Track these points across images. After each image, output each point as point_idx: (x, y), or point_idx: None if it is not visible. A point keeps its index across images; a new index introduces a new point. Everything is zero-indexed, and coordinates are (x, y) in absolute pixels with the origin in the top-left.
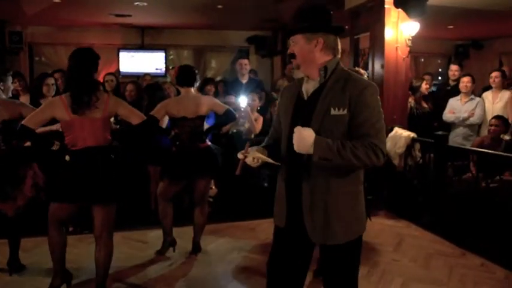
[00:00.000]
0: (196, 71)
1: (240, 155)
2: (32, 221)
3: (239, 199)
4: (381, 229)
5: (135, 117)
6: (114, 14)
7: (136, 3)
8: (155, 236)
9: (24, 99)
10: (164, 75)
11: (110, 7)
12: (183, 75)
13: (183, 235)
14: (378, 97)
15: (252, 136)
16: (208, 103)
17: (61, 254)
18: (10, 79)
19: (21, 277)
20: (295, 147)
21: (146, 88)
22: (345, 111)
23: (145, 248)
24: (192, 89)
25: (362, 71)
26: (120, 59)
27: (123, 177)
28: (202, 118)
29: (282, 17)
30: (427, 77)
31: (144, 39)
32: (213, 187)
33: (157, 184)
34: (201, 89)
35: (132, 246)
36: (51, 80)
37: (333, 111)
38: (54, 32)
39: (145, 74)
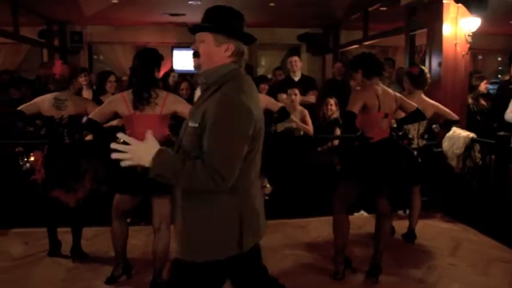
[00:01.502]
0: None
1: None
2: (93, 212)
3: (290, 196)
4: (437, 232)
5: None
6: (169, 13)
7: (190, 2)
8: None
9: (87, 94)
10: None
11: (165, 6)
12: None
13: None
14: (239, 113)
15: (301, 133)
16: (263, 101)
17: (123, 244)
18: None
19: (83, 264)
20: (136, 160)
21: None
22: (196, 124)
23: None
24: None
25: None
26: (173, 57)
27: None
28: None
29: (333, 14)
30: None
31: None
32: (268, 185)
33: None
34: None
35: None
36: (113, 77)
37: (190, 123)
38: (111, 31)
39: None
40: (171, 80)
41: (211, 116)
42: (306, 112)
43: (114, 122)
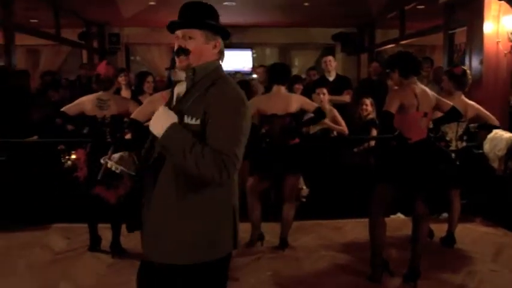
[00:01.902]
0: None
1: (102, 160)
2: (132, 209)
3: (326, 198)
4: (477, 236)
5: None
6: None
7: (225, 3)
8: (243, 229)
9: (126, 94)
10: (250, 73)
11: None
12: (275, 73)
13: (270, 230)
14: (244, 109)
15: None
16: (298, 101)
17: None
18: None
19: (122, 260)
20: (151, 125)
21: (239, 84)
22: (198, 122)
23: None
24: (283, 87)
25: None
26: None
27: None
28: (292, 115)
29: (369, 13)
30: None
31: (231, 38)
32: (304, 187)
33: (244, 179)
34: (290, 88)
35: None
36: (151, 78)
37: (186, 119)
38: (148, 32)
39: (236, 72)
40: None
41: (217, 111)
42: (336, 111)
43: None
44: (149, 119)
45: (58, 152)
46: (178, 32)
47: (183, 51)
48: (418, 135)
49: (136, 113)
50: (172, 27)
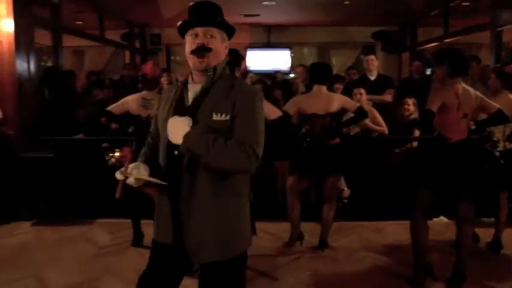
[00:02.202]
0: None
1: (119, 175)
2: None
3: (366, 199)
4: None
5: (273, 112)
6: (243, 14)
7: (265, 2)
8: (282, 228)
9: None
10: (289, 73)
11: (240, 7)
12: (316, 72)
13: (310, 230)
14: (263, 105)
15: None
16: (339, 100)
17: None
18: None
19: None
20: (170, 137)
21: (279, 84)
22: (228, 117)
23: (273, 240)
24: (324, 87)
25: None
26: (247, 57)
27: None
28: (333, 115)
29: (411, 11)
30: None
31: (270, 37)
32: (346, 188)
33: (283, 179)
34: (330, 87)
35: (260, 236)
36: None
37: (215, 117)
38: None
39: (277, 72)
40: (248, 80)
41: (243, 107)
42: (376, 112)
43: None
44: None
45: (102, 149)
46: (199, 30)
47: (206, 50)
48: (458, 135)
49: None
50: (191, 25)
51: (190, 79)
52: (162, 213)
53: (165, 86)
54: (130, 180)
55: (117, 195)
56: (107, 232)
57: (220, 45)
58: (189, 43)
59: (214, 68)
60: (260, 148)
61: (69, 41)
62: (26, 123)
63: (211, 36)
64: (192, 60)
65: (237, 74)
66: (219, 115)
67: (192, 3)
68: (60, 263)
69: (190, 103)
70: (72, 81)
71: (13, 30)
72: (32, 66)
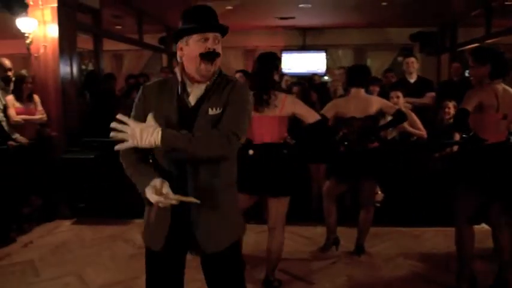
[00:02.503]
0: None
1: (155, 198)
2: None
3: (403, 204)
4: None
5: (311, 116)
6: (279, 17)
7: (300, 5)
8: (318, 233)
9: None
10: (324, 75)
11: (276, 11)
12: (354, 75)
13: (345, 235)
14: (250, 97)
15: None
16: (378, 103)
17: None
18: None
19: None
20: (139, 141)
21: (316, 86)
22: (220, 110)
23: (309, 244)
24: (362, 90)
25: None
26: (282, 60)
27: (295, 173)
28: (371, 118)
29: (451, 11)
30: None
31: (305, 40)
32: (379, 192)
33: (319, 183)
34: (365, 89)
35: (296, 240)
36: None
37: (210, 111)
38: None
39: (314, 74)
40: (284, 83)
41: (233, 100)
42: (414, 115)
43: None
44: None
45: None
46: (210, 35)
47: (217, 55)
48: (495, 137)
49: None
50: (202, 30)
51: (186, 79)
52: (156, 219)
53: (147, 84)
54: (172, 202)
55: (153, 219)
56: None
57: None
58: (197, 46)
59: (220, 71)
60: (241, 132)
61: (109, 45)
62: (68, 125)
63: (218, 42)
64: (197, 64)
65: (276, 77)
66: (214, 109)
67: (193, 7)
68: (99, 262)
69: (193, 104)
70: (112, 85)
71: (57, 36)
72: (75, 70)
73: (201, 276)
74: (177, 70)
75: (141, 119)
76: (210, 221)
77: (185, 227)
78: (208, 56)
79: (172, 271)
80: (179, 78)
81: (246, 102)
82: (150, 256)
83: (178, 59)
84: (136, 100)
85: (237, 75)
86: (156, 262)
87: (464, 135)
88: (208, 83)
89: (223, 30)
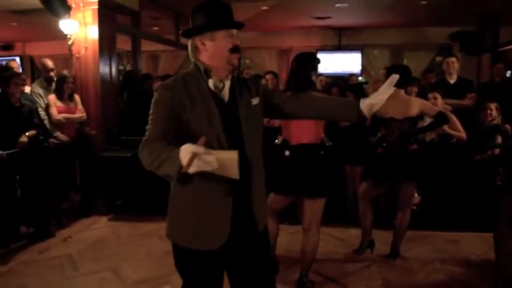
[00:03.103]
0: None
1: (192, 149)
2: None
3: (442, 208)
4: None
5: None
6: (315, 17)
7: (337, 5)
8: (352, 234)
9: None
10: (361, 75)
11: (312, 10)
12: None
13: (380, 238)
14: None
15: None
16: (418, 105)
17: (272, 242)
18: None
19: None
20: (233, 173)
21: (352, 87)
22: (258, 101)
23: (342, 246)
24: (402, 91)
25: None
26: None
27: (332, 174)
28: (411, 120)
29: (493, 9)
30: None
31: (341, 40)
32: (416, 194)
33: (354, 184)
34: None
35: (330, 242)
36: (263, 81)
37: (254, 102)
38: (258, 36)
39: (351, 75)
40: (318, 83)
41: (263, 86)
42: (454, 117)
43: (276, 123)
44: None
45: None
46: (234, 31)
47: (240, 50)
48: None
49: None
50: (229, 26)
51: (212, 74)
52: (213, 216)
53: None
54: (209, 160)
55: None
56: None
57: None
58: (225, 42)
59: (238, 66)
60: None
61: (145, 46)
62: (107, 124)
63: (237, 37)
64: (228, 58)
65: (314, 77)
66: (254, 100)
67: (210, 2)
68: (134, 258)
69: (227, 99)
70: (150, 85)
71: (97, 37)
72: (113, 71)
73: None
74: (198, 65)
75: (166, 117)
76: (259, 193)
77: (247, 209)
78: (236, 50)
79: (222, 270)
80: (204, 74)
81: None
82: (197, 258)
83: (195, 54)
84: (158, 98)
85: (267, 76)
86: (210, 264)
87: None
88: (229, 77)
89: (241, 27)
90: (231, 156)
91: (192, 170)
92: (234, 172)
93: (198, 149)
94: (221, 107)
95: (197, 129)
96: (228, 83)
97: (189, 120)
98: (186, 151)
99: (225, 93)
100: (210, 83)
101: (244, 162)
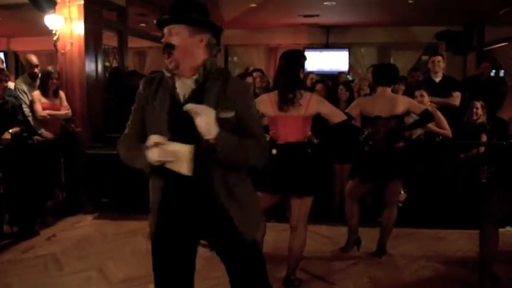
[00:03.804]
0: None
1: (154, 138)
2: None
3: (427, 205)
4: None
5: (336, 116)
6: (303, 15)
7: (325, 3)
8: (339, 232)
9: None
10: (348, 74)
11: (300, 8)
12: (381, 74)
13: (367, 235)
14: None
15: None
16: (404, 102)
17: (260, 240)
18: None
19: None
20: (204, 129)
21: (343, 84)
22: (232, 114)
23: (330, 244)
24: (389, 89)
25: None
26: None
27: (319, 172)
28: (397, 118)
29: (479, 9)
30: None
31: (328, 38)
32: (402, 192)
33: (342, 182)
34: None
35: (317, 240)
36: (250, 79)
37: (221, 114)
38: (246, 34)
39: (340, 73)
40: (309, 82)
41: (245, 102)
42: (440, 114)
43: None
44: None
45: None
46: (165, 30)
47: (169, 46)
48: None
49: None
50: (158, 25)
51: (175, 76)
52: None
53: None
54: (168, 150)
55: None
56: None
57: (186, 40)
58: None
59: (204, 65)
60: (265, 139)
61: (132, 43)
62: (92, 121)
63: (174, 34)
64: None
65: (301, 75)
66: (224, 112)
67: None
68: (120, 256)
69: (183, 100)
70: (136, 82)
71: (83, 33)
72: (99, 67)
73: (215, 274)
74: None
75: (138, 110)
76: (234, 198)
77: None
78: (164, 50)
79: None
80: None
81: (254, 102)
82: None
83: None
84: (137, 91)
85: (255, 74)
86: (167, 248)
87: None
88: (195, 77)
89: (182, 20)
90: (183, 149)
91: (152, 157)
92: (185, 167)
93: (161, 138)
94: (174, 106)
95: (149, 123)
96: (189, 83)
97: (146, 113)
98: (150, 139)
99: (181, 93)
100: (177, 81)
101: (199, 161)
